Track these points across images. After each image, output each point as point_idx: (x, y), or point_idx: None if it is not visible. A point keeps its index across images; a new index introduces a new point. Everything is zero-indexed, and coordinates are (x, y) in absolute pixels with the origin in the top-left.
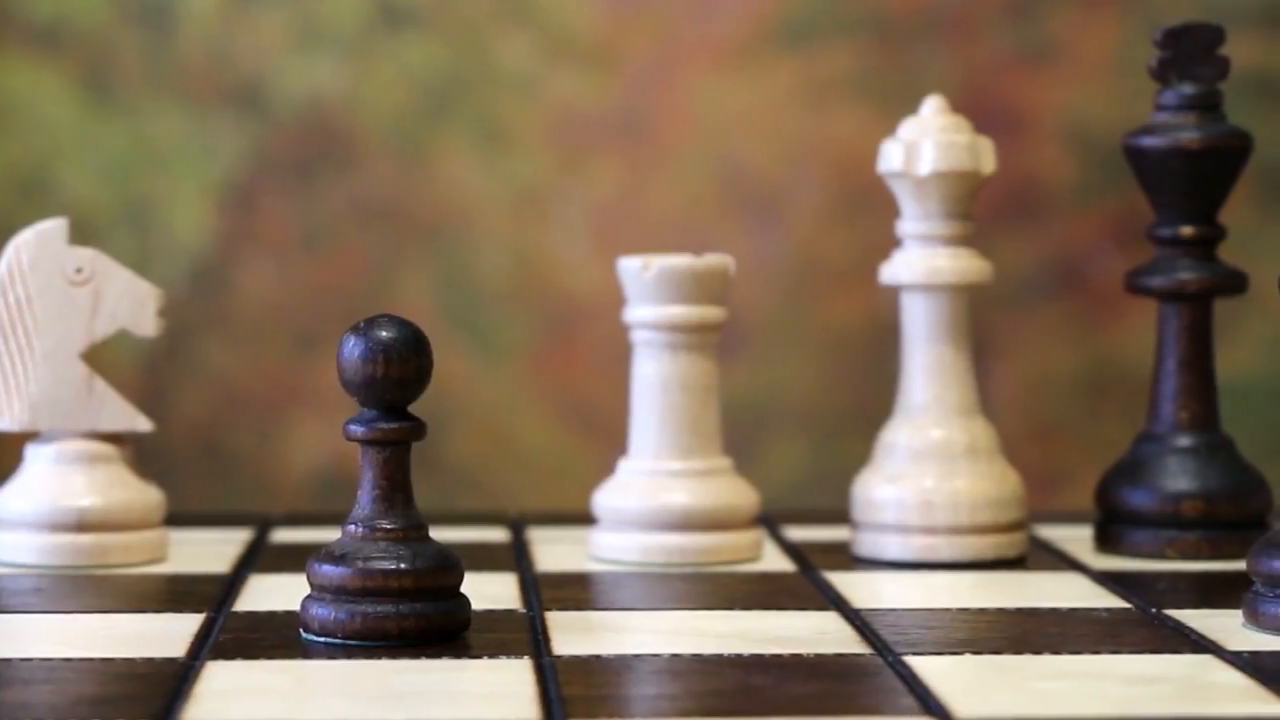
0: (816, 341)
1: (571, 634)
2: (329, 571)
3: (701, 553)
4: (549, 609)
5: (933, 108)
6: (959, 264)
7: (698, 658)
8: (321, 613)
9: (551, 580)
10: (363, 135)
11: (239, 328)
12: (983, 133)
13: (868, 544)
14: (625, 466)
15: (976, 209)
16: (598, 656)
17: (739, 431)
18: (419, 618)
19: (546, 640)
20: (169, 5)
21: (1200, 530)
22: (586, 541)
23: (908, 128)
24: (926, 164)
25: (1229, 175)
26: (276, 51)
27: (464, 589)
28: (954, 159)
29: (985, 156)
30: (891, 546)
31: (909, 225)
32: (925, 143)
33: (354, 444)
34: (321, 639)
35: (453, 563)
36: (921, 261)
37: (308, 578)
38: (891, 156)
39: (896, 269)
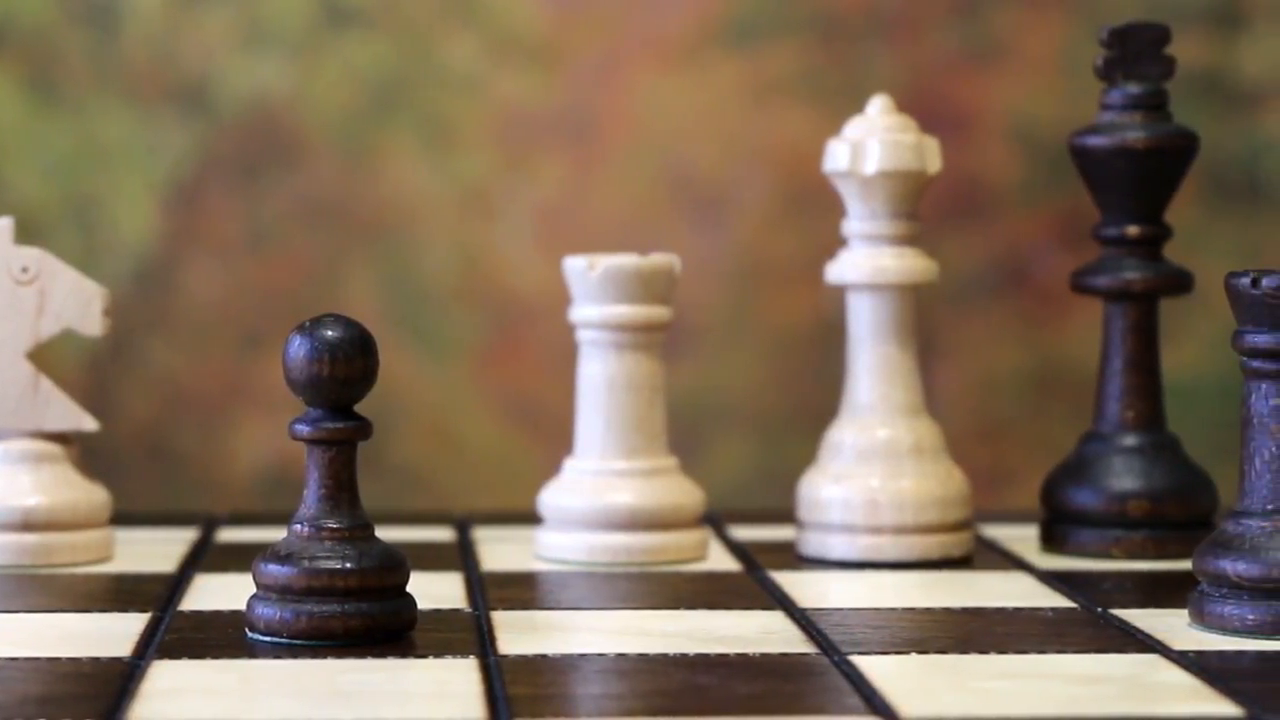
0: (762, 341)
1: (517, 633)
2: (274, 571)
3: (647, 552)
4: (495, 608)
5: (878, 107)
6: (905, 263)
7: (644, 657)
8: (267, 612)
9: (497, 580)
10: (308, 135)
11: (184, 327)
12: (928, 132)
13: (813, 544)
14: (571, 466)
15: (922, 208)
16: (544, 656)
17: (684, 431)
18: (364, 617)
19: (492, 640)
20: (114, 4)
21: (1145, 530)
22: (532, 541)
23: (853, 127)
24: (872, 163)
25: (1174, 175)
26: (221, 51)
27: (410, 588)
28: (900, 158)
29: (931, 156)
30: (837, 546)
31: (855, 225)
32: (871, 142)
33: (300, 443)
34: (267, 638)
35: (399, 562)
36: (867, 261)
37: (253, 577)
38: (837, 156)
39: (842, 268)
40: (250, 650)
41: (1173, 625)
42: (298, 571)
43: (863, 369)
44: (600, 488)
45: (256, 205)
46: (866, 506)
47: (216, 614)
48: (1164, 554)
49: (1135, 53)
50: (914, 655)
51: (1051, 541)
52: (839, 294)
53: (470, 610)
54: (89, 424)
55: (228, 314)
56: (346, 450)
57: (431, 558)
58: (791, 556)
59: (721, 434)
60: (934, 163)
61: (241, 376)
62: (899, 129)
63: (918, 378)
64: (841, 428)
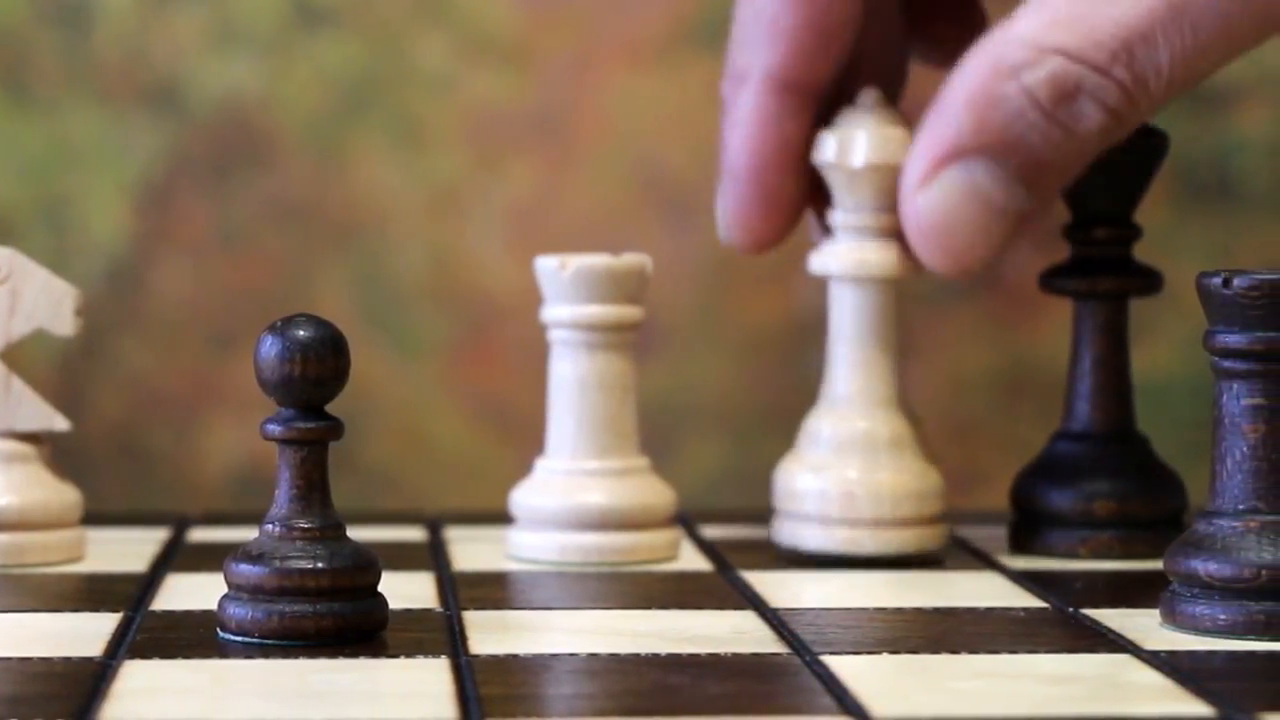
0: (733, 341)
1: (489, 633)
2: (246, 571)
3: (619, 552)
4: (466, 608)
5: (869, 100)
6: (888, 257)
7: (615, 657)
8: (238, 612)
9: (469, 579)
10: (279, 135)
11: (156, 327)
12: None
13: (787, 532)
14: (542, 466)
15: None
16: (515, 656)
17: (656, 431)
18: (336, 617)
19: (464, 639)
20: (85, 5)
21: (1113, 529)
22: (504, 541)
23: (843, 119)
24: (859, 156)
25: (1145, 175)
26: (193, 51)
27: (381, 588)
28: (887, 152)
29: None
30: (812, 537)
31: (841, 216)
32: (859, 135)
33: (271, 443)
34: (239, 638)
35: (370, 562)
36: (851, 253)
37: (225, 577)
38: (826, 147)
39: (826, 259)
40: (222, 650)
41: (1144, 625)
42: (269, 571)
43: (842, 361)
44: (572, 487)
45: (228, 205)
46: (843, 498)
47: (188, 614)
48: (1131, 554)
49: None
50: (886, 655)
51: (1020, 542)
52: (810, 294)
53: (442, 610)
54: (60, 424)
55: (199, 314)
56: (318, 450)
57: (403, 558)
58: (763, 556)
59: (693, 434)
60: None
61: (213, 376)
62: (888, 123)
63: (897, 371)
64: (820, 417)
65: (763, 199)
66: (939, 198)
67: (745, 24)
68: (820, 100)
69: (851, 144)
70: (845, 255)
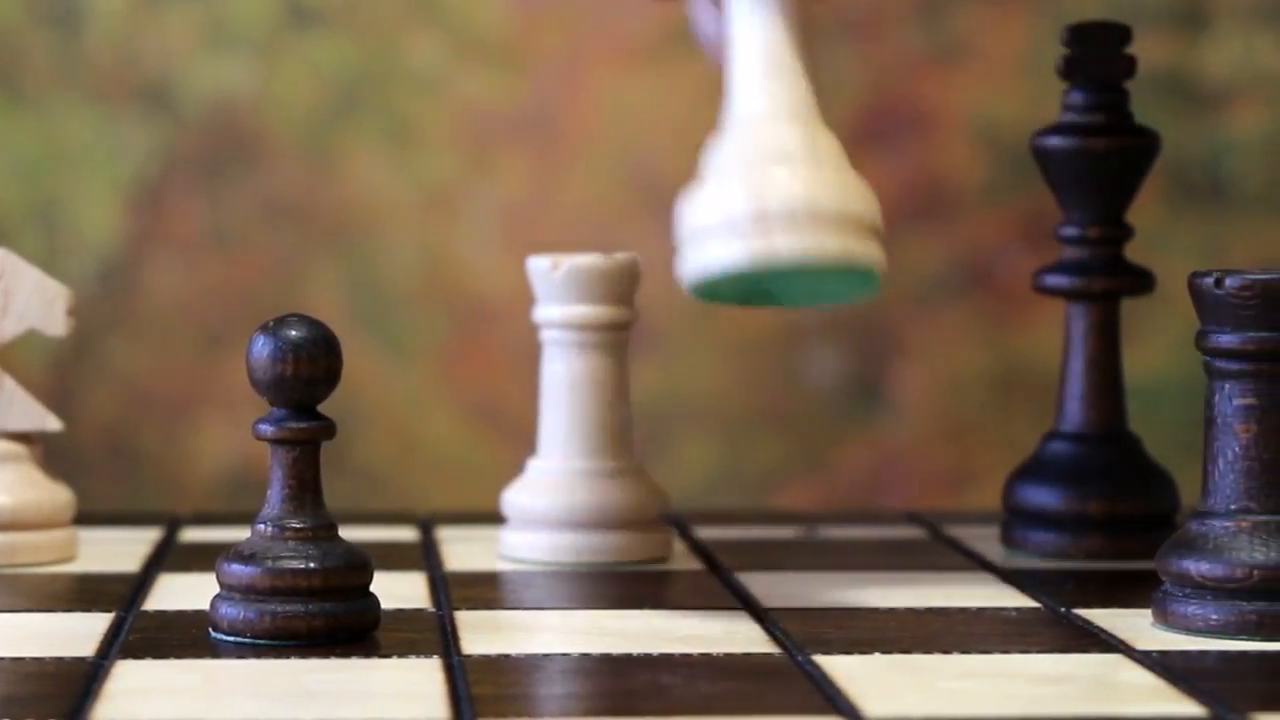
0: (726, 341)
1: (481, 633)
2: (238, 571)
3: (611, 552)
4: (458, 608)
5: None
6: None
7: (607, 657)
8: (230, 612)
9: (461, 579)
10: (271, 135)
11: (148, 327)
12: (892, 133)
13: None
14: (534, 466)
15: (883, 209)
16: (507, 656)
17: (648, 431)
18: (328, 617)
19: (456, 639)
20: (77, 5)
21: (1106, 529)
22: (496, 541)
23: None
24: None
25: (1136, 175)
26: (185, 51)
27: (374, 588)
28: None
29: None
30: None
31: None
32: None
33: (263, 443)
34: (231, 638)
35: (362, 562)
36: None
37: (217, 577)
38: None
39: None
40: (214, 650)
41: (1136, 625)
42: (261, 571)
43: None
44: (563, 487)
45: (220, 205)
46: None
47: (180, 614)
48: (1124, 554)
49: (1096, 52)
50: (877, 655)
51: (1012, 541)
52: None
53: (434, 610)
54: (53, 424)
55: (191, 314)
56: (310, 450)
57: (395, 558)
58: (756, 556)
59: (685, 434)
60: None
61: (205, 376)
62: None
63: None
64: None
65: None
66: None
67: None
68: None
69: None
70: None
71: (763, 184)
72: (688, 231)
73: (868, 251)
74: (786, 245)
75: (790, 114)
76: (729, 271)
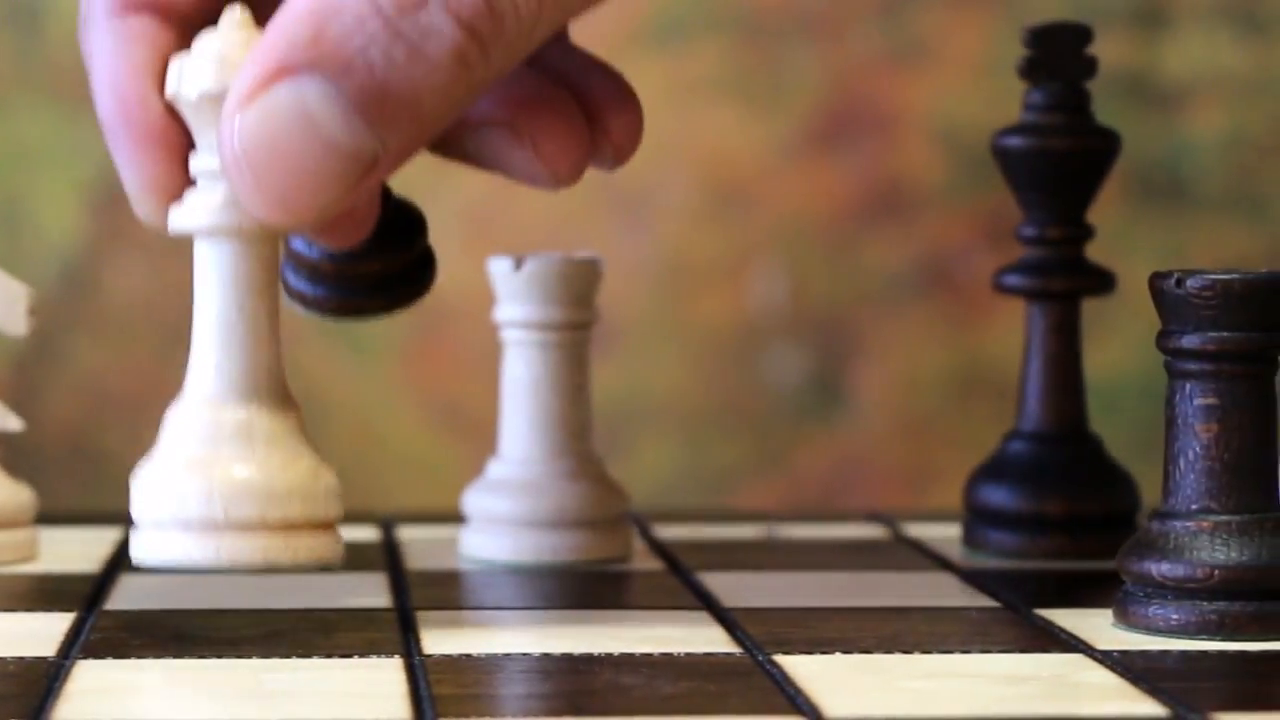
0: (686, 340)
1: (442, 633)
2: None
3: (571, 552)
4: (419, 608)
5: (228, 19)
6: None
7: (568, 657)
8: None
9: (422, 579)
10: None
11: (109, 326)
12: (852, 133)
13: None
14: (495, 465)
15: (844, 207)
16: (468, 655)
17: (609, 430)
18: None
19: (417, 639)
20: (37, 5)
21: (1066, 529)
22: (457, 540)
23: (196, 43)
24: (195, 84)
25: (1096, 175)
26: None
27: (333, 589)
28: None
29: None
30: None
31: (194, 160)
32: (198, 60)
33: None
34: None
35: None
36: (202, 205)
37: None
38: (170, 76)
39: (182, 213)
40: (175, 650)
41: (1097, 625)
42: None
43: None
44: (524, 487)
45: None
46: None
47: (142, 614)
48: (1084, 553)
49: (1057, 53)
50: (838, 655)
51: (973, 541)
52: (763, 293)
53: (395, 610)
54: (13, 423)
55: (153, 313)
56: None
57: (356, 557)
58: (717, 556)
59: (646, 433)
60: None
61: (167, 376)
62: (241, 45)
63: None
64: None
65: (144, 143)
66: (260, 121)
67: None
68: (194, 24)
69: (189, 70)
70: (195, 207)
71: (213, 481)
72: (140, 513)
73: (313, 551)
74: (238, 551)
75: (240, 395)
76: (183, 566)
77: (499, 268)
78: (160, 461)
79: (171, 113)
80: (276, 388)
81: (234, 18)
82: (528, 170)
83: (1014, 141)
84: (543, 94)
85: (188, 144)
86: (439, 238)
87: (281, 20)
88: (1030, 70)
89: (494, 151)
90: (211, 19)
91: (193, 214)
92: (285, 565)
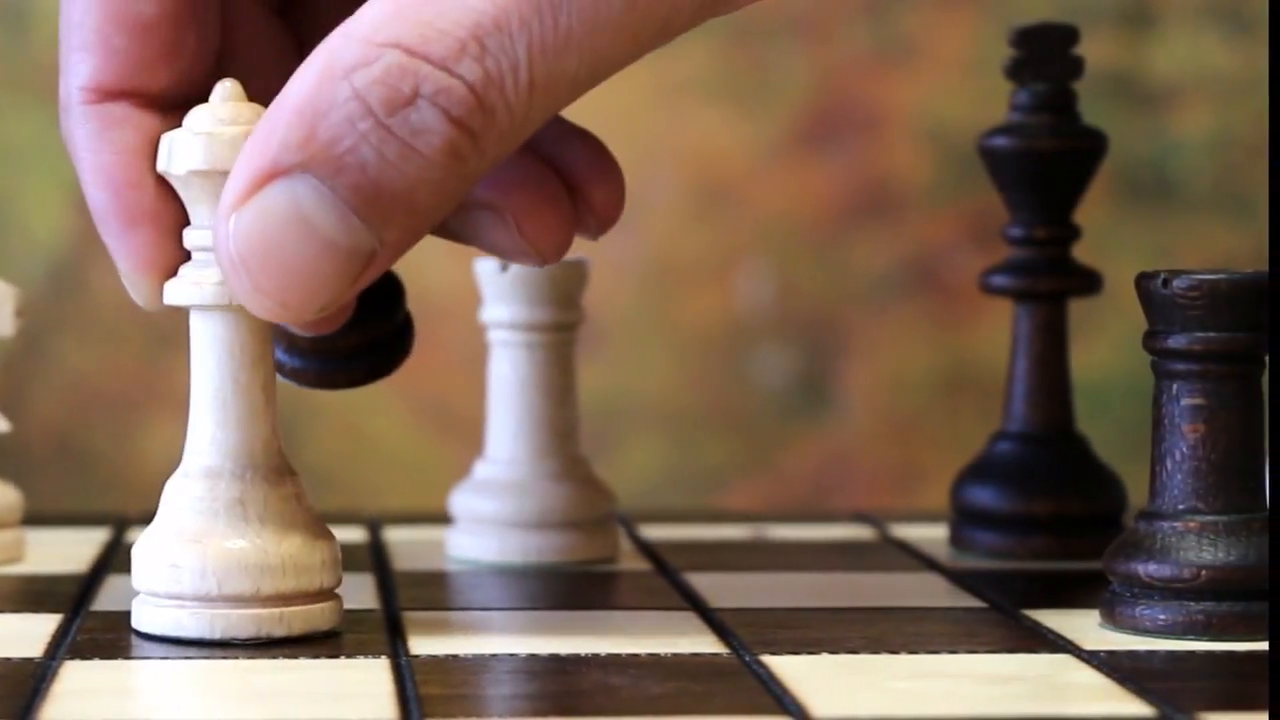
0: (673, 341)
1: (429, 633)
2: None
3: (558, 552)
4: (406, 609)
5: (219, 94)
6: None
7: (555, 657)
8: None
9: (409, 580)
10: None
11: (96, 327)
12: (839, 133)
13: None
14: (482, 466)
15: (830, 207)
16: (455, 656)
17: (596, 431)
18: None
19: (404, 640)
20: (24, 5)
21: (1053, 530)
22: (444, 541)
23: (187, 119)
24: (184, 161)
25: (1082, 175)
26: None
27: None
28: (219, 157)
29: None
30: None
31: (188, 235)
32: (187, 136)
33: None
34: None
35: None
36: (194, 279)
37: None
38: (161, 152)
39: (175, 287)
40: (162, 651)
41: (1084, 625)
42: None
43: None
44: (511, 488)
45: None
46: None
47: (128, 615)
48: (1070, 554)
49: (1043, 53)
50: (825, 655)
51: (959, 541)
52: (749, 293)
53: (382, 610)
54: (1, 424)
55: (139, 314)
56: None
57: (343, 558)
58: (703, 556)
59: (633, 434)
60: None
61: (153, 376)
62: (230, 121)
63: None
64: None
65: (136, 225)
66: (255, 222)
67: (60, 46)
68: (175, 104)
69: (179, 147)
70: (189, 281)
71: (207, 556)
72: (139, 583)
73: (308, 621)
74: (232, 624)
75: (236, 469)
76: (179, 637)
77: (486, 269)
78: (158, 533)
79: (163, 188)
80: (272, 459)
81: (225, 90)
82: (512, 249)
83: (1001, 142)
84: (525, 172)
85: (181, 219)
86: (426, 238)
87: (272, 119)
88: (1017, 70)
89: (478, 232)
90: (188, 99)
91: (187, 289)
92: (279, 637)
